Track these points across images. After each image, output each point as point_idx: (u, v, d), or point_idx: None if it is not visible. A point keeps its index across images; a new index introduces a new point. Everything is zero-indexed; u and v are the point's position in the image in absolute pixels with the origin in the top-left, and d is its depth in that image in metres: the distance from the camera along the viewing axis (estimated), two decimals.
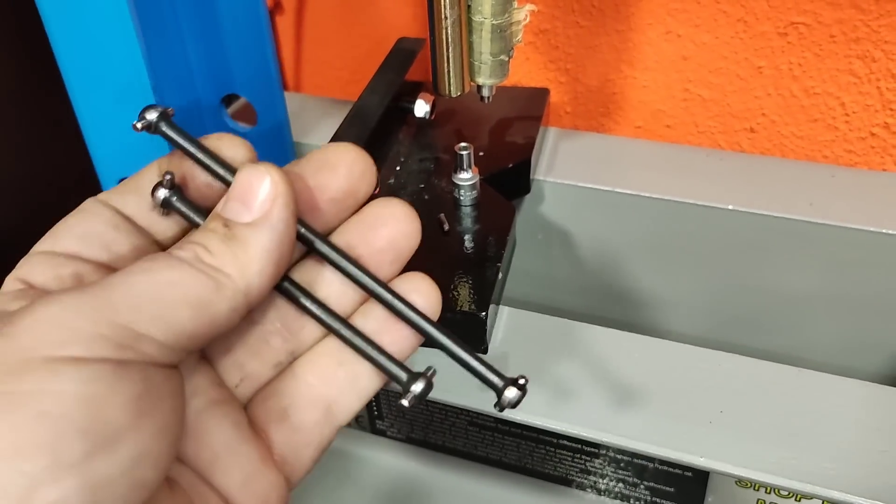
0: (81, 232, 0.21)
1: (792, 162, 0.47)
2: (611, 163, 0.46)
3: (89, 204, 0.22)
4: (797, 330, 0.38)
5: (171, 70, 0.38)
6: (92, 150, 0.38)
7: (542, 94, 0.48)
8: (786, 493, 0.30)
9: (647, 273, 0.41)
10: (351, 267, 0.22)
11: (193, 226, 0.22)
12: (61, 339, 0.17)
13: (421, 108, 0.42)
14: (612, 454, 0.33)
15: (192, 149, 0.21)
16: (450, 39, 0.32)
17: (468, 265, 0.34)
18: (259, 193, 0.20)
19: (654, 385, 0.32)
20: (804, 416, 0.30)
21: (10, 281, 0.20)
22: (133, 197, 0.22)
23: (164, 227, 0.22)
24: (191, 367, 0.21)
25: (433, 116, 0.43)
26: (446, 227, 0.37)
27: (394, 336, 0.22)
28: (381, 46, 0.53)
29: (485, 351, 0.33)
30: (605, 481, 0.34)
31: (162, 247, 0.22)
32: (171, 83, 0.38)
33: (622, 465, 0.33)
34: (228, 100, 0.43)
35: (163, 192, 0.21)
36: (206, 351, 0.22)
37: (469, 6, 0.32)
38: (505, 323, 0.35)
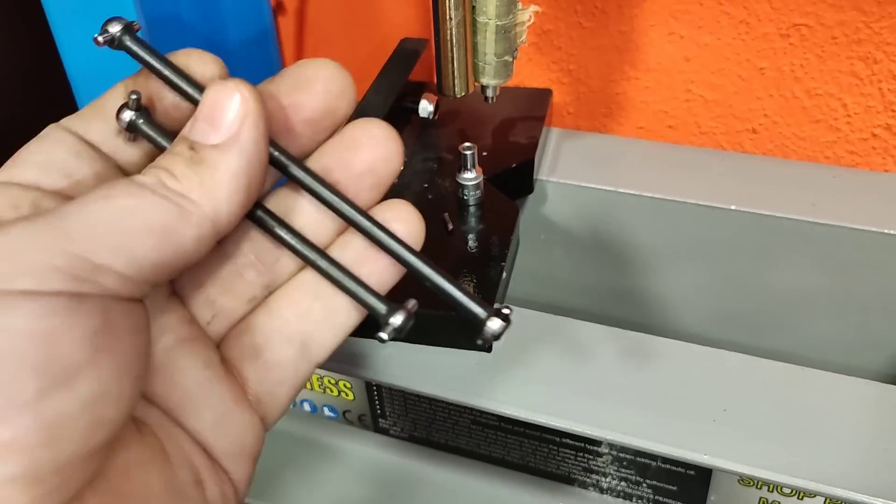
0: (41, 160, 0.19)
1: (794, 163, 0.47)
2: (613, 163, 0.46)
3: (50, 130, 0.20)
4: (799, 329, 0.38)
5: None
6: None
7: (545, 94, 0.48)
8: (789, 491, 0.30)
9: (649, 272, 0.41)
10: (328, 193, 0.20)
11: (161, 150, 0.20)
12: (11, 271, 0.15)
13: (425, 108, 0.43)
14: (614, 453, 0.33)
15: (158, 65, 0.20)
16: (454, 40, 0.33)
17: (472, 264, 0.34)
18: (227, 112, 0.18)
19: (658, 383, 0.32)
20: (807, 415, 0.30)
21: None
22: (97, 121, 0.20)
23: (131, 153, 0.21)
24: (159, 304, 0.20)
25: (437, 117, 0.43)
26: (450, 226, 0.37)
27: (373, 267, 0.21)
28: (384, 47, 0.53)
29: (489, 350, 0.33)
30: (607, 480, 0.34)
31: (128, 174, 0.20)
32: None
33: (625, 463, 0.33)
34: None
35: (128, 115, 0.20)
36: (176, 286, 0.21)
37: (473, 7, 0.32)
38: None
